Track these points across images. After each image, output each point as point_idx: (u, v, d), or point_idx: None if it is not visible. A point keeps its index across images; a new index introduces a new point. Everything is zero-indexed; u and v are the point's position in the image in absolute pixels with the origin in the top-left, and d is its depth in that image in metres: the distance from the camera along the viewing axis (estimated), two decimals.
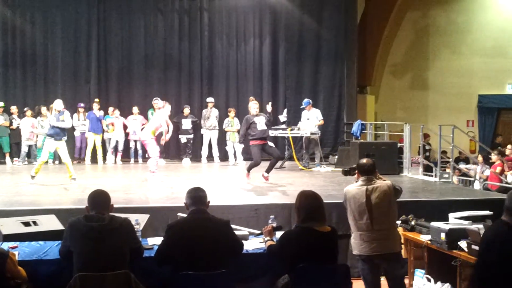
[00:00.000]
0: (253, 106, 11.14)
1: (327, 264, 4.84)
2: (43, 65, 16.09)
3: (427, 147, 16.03)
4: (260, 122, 10.83)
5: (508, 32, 20.46)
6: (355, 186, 5.87)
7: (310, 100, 14.80)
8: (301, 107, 14.81)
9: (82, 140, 15.54)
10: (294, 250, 4.79)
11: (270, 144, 11.28)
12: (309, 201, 4.98)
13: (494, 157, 13.37)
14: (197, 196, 5.04)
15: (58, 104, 11.04)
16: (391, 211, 5.86)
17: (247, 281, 5.27)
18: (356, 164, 6.07)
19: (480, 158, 14.48)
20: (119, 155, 15.77)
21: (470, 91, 20.80)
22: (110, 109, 15.73)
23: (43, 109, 14.98)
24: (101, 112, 15.71)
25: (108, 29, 16.39)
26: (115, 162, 15.62)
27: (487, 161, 14.42)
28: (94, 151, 15.50)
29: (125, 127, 15.78)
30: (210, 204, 5.15)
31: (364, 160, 6.02)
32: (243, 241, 5.42)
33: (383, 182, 5.85)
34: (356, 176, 6.05)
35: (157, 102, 14.84)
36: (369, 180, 5.83)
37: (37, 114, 15.15)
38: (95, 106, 15.55)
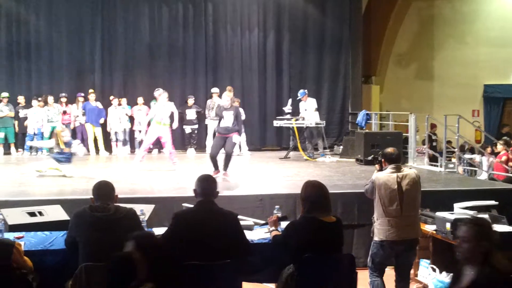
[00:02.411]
0: (224, 96, 10.43)
1: (332, 255, 4.83)
2: (48, 55, 16.07)
3: (433, 137, 16.01)
4: (227, 118, 10.19)
5: None
6: (385, 173, 6.03)
7: (306, 91, 14.80)
8: (297, 98, 14.82)
9: (83, 131, 15.53)
10: (299, 240, 4.79)
11: (234, 139, 10.35)
12: (314, 191, 4.98)
13: (499, 147, 13.32)
14: (206, 186, 5.02)
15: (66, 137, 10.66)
16: (418, 198, 6.10)
17: (252, 271, 5.28)
18: (382, 153, 6.25)
19: (489, 149, 14.41)
20: (120, 145, 15.74)
21: (475, 81, 20.71)
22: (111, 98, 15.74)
23: (50, 99, 15.02)
24: (98, 103, 15.64)
25: (112, 20, 16.36)
26: (116, 153, 15.60)
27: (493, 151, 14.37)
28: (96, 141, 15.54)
29: (131, 117, 15.81)
30: None
31: (390, 150, 6.22)
32: (248, 231, 5.42)
33: (411, 170, 6.11)
34: (377, 166, 6.26)
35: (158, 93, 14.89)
36: (398, 168, 6.04)
37: (44, 102, 15.15)
38: (91, 97, 15.52)
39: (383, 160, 6.18)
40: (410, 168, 6.17)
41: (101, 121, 15.51)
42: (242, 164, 12.87)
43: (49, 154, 10.69)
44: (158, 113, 11.51)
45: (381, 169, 6.20)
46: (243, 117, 14.90)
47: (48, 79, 16.04)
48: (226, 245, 4.74)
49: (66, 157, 10.34)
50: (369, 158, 6.53)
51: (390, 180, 5.93)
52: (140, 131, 15.68)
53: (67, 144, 10.38)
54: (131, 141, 15.89)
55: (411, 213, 5.98)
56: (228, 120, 10.16)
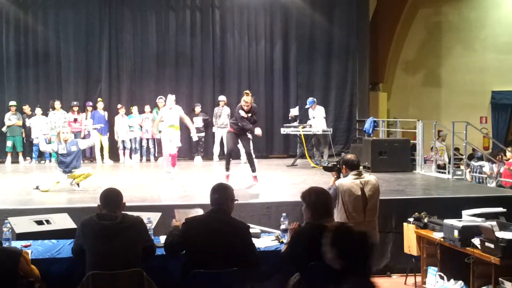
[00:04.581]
0: (246, 100, 10.18)
1: None
2: (56, 64, 16.14)
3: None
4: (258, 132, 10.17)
5: None
6: (348, 180, 6.11)
7: (315, 99, 14.80)
8: (306, 107, 14.82)
9: None
10: (306, 247, 4.75)
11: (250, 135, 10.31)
12: (319, 198, 4.96)
13: (508, 154, 13.26)
14: (217, 196, 5.02)
15: (67, 133, 10.05)
16: (378, 204, 6.24)
17: (259, 279, 5.26)
18: (343, 160, 6.33)
19: (499, 157, 14.35)
20: (127, 153, 15.80)
21: (483, 87, 20.65)
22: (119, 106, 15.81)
23: (57, 103, 15.09)
24: (106, 113, 15.72)
25: (119, 27, 16.41)
26: (124, 162, 15.68)
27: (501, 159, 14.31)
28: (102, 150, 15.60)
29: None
30: None
31: (350, 156, 6.38)
32: (255, 239, 5.41)
33: (371, 176, 6.26)
34: (334, 173, 6.40)
35: (161, 101, 14.92)
36: (359, 174, 6.16)
37: (51, 108, 15.24)
38: (100, 105, 15.59)
39: (343, 166, 6.25)
40: (370, 174, 6.31)
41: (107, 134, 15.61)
42: (249, 171, 12.84)
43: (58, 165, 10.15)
44: (166, 116, 11.53)
45: (338, 176, 6.31)
46: None
47: (56, 88, 16.12)
48: (234, 254, 4.73)
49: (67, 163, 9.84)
50: (329, 165, 6.55)
51: (354, 187, 6.03)
52: (147, 139, 15.79)
53: (69, 144, 9.84)
54: (140, 149, 15.92)
55: (372, 218, 6.13)
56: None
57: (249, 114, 10.13)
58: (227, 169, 10.26)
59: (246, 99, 10.14)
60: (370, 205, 6.06)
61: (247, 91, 10.70)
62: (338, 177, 6.29)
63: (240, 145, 10.67)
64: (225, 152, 10.44)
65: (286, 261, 5.02)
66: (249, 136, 10.32)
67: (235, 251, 4.76)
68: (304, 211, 5.00)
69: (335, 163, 6.46)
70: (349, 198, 5.98)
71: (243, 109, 10.09)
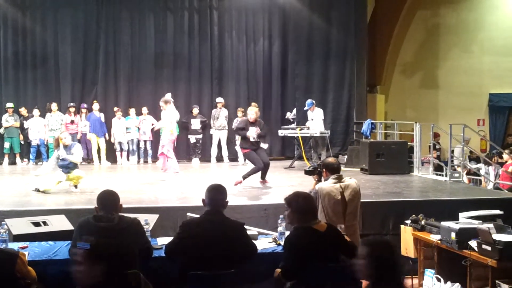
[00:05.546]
0: (250, 112, 10.45)
1: (332, 262, 4.80)
2: (53, 66, 16.14)
3: (437, 146, 15.97)
4: (252, 132, 10.21)
5: None
6: (328, 184, 6.09)
7: (313, 101, 14.81)
8: (305, 108, 14.82)
9: (87, 142, 15.56)
10: (303, 251, 4.74)
11: (263, 146, 10.57)
12: (306, 202, 4.98)
13: (505, 156, 13.29)
14: (214, 197, 5.01)
15: (67, 138, 10.12)
16: (358, 208, 6.22)
17: (255, 281, 5.25)
18: (323, 164, 6.34)
19: (494, 159, 14.38)
20: (125, 155, 15.80)
21: (480, 90, 20.66)
22: (116, 109, 15.80)
23: (53, 105, 15.11)
24: (102, 115, 15.73)
25: (117, 29, 16.42)
26: (121, 163, 15.67)
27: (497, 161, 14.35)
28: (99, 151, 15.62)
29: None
30: None
31: (331, 160, 6.39)
32: (252, 241, 5.41)
33: (351, 180, 6.19)
34: (315, 176, 6.40)
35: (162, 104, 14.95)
36: (339, 178, 6.11)
37: (48, 110, 15.26)
38: (95, 107, 15.58)
39: (324, 170, 6.24)
40: (350, 178, 6.24)
41: (106, 136, 15.60)
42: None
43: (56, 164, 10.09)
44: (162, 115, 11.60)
45: (319, 180, 6.29)
46: None
47: (54, 89, 16.12)
48: (232, 255, 4.73)
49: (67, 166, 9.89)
50: (310, 168, 6.56)
51: (333, 191, 6.00)
52: (145, 141, 15.78)
53: (68, 148, 9.91)
54: (138, 151, 15.91)
55: (352, 223, 6.09)
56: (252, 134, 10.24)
57: (255, 128, 10.21)
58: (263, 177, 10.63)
59: (254, 111, 10.33)
60: (350, 209, 6.03)
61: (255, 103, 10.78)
62: (319, 181, 6.28)
63: (238, 147, 10.69)
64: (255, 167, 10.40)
65: (292, 275, 4.86)
66: (265, 146, 10.55)
67: (232, 252, 4.75)
68: (289, 216, 4.97)
69: (316, 166, 6.46)
70: (329, 202, 5.96)
71: (248, 122, 10.29)
